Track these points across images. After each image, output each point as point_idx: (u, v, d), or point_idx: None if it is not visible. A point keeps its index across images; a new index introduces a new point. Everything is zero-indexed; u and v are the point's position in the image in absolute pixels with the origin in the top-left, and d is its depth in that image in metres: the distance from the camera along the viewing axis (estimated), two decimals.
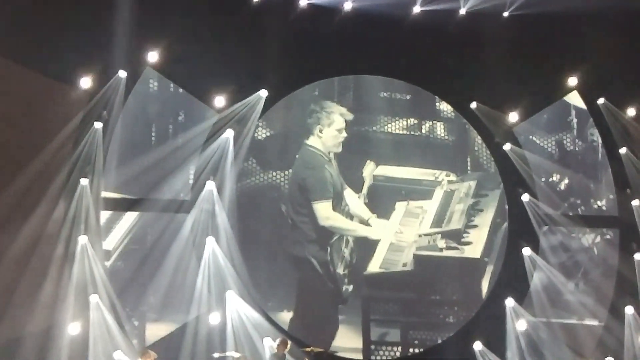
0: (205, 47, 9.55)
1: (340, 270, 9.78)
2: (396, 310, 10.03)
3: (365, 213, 10.01)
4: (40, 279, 8.66)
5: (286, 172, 9.96)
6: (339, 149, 10.03)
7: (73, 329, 8.75)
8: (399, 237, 10.06)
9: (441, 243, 10.13)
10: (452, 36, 10.15)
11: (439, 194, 10.31)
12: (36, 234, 8.73)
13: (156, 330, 9.30)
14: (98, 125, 9.16)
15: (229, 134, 9.67)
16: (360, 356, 9.76)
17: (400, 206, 10.18)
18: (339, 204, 9.90)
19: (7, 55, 8.93)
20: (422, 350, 9.95)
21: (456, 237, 10.18)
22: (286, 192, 9.96)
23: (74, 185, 9.02)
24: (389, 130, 10.36)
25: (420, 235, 10.13)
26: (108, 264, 9.21)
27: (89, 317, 8.78)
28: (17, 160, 8.78)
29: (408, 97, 10.49)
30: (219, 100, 9.70)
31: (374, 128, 10.34)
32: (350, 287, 9.81)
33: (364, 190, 10.07)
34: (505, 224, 10.28)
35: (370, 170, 10.14)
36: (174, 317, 9.33)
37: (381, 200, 10.15)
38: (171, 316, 9.33)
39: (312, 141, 9.99)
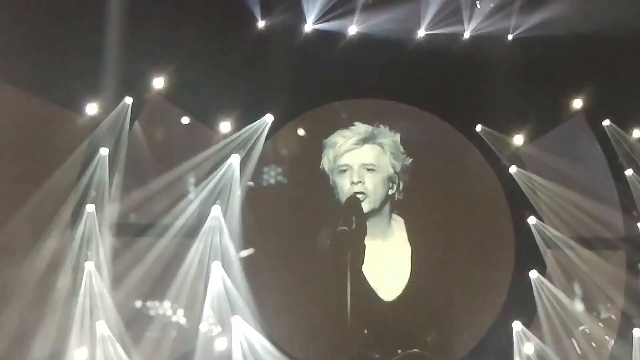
0: (210, 72, 9.58)
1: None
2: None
3: None
4: (46, 306, 8.68)
5: None
6: None
7: (79, 355, 8.73)
8: None
9: None
10: (456, 59, 10.14)
11: None
12: (42, 261, 8.74)
13: (162, 357, 9.26)
14: (104, 151, 9.18)
15: (234, 158, 9.67)
16: None
17: None
18: None
19: (12, 82, 8.98)
20: None
21: None
22: None
23: (80, 212, 9.05)
24: None
25: None
26: (115, 290, 9.17)
27: (95, 344, 8.77)
28: (22, 187, 8.79)
29: None
30: (225, 126, 9.73)
31: None
32: None
33: None
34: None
35: None
36: (180, 343, 9.33)
37: None
38: (176, 342, 9.33)
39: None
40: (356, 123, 9.97)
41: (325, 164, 9.90)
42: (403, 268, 9.93)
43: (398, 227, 9.95)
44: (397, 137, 9.95)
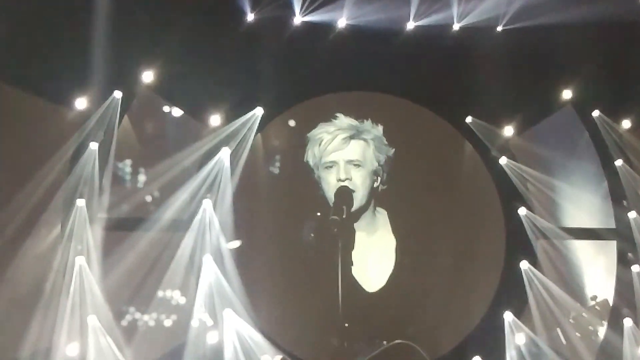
0: (200, 65, 9.56)
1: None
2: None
3: None
4: (36, 300, 8.67)
5: None
6: None
7: (71, 350, 8.73)
8: None
9: None
10: (446, 51, 10.16)
11: None
12: (32, 256, 8.74)
13: (154, 350, 9.27)
14: (94, 145, 9.16)
15: (225, 152, 9.66)
16: None
17: None
18: None
19: (0, 77, 8.97)
20: None
21: None
22: None
23: (70, 206, 9.04)
24: None
25: None
26: (105, 284, 9.15)
27: (87, 338, 8.78)
28: (11, 182, 8.78)
29: None
30: (215, 119, 9.72)
31: None
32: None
33: None
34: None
35: None
36: (171, 336, 9.33)
37: None
38: (168, 335, 9.33)
39: None
40: (338, 115, 9.94)
41: (310, 158, 9.88)
42: (387, 260, 9.92)
43: (382, 219, 9.95)
44: (380, 129, 9.94)
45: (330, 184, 9.69)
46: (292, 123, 10.05)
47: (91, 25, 9.18)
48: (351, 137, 9.78)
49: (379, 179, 9.88)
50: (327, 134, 9.82)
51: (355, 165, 9.70)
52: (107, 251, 9.17)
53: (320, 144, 9.80)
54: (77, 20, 9.20)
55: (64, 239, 8.98)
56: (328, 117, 9.97)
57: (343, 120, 9.90)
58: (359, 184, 9.66)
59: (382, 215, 9.92)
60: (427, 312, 9.89)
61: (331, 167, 9.74)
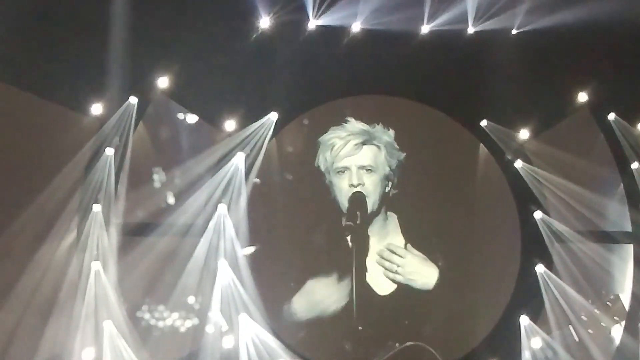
0: (215, 71, 9.61)
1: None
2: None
3: None
4: (52, 305, 8.74)
5: None
6: None
7: (87, 355, 8.79)
8: None
9: None
10: (461, 55, 10.14)
11: None
12: (49, 261, 8.81)
13: (169, 355, 9.33)
14: (110, 151, 9.21)
15: (239, 157, 9.69)
16: None
17: None
18: None
19: (17, 84, 9.03)
20: None
21: None
22: None
23: (86, 211, 9.10)
24: None
25: None
26: (121, 289, 9.21)
27: (102, 343, 8.83)
28: (28, 188, 8.85)
29: None
30: (230, 124, 9.76)
31: None
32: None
33: None
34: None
35: None
36: (187, 341, 9.36)
37: None
38: (183, 340, 9.37)
39: None
40: (349, 119, 9.91)
41: (321, 163, 9.84)
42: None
43: (393, 223, 9.91)
44: (392, 133, 9.90)
45: (342, 189, 9.66)
46: (306, 128, 10.04)
47: (107, 31, 9.24)
48: (363, 143, 9.75)
49: (391, 183, 9.84)
50: (339, 139, 9.79)
51: (367, 170, 9.66)
52: (123, 256, 9.21)
53: (332, 149, 9.77)
54: (93, 26, 9.24)
55: (80, 244, 9.04)
56: (339, 122, 9.95)
57: (354, 124, 9.86)
58: (371, 189, 9.62)
59: (393, 220, 9.89)
60: (441, 317, 9.86)
61: (343, 172, 9.70)
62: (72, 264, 8.94)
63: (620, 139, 10.38)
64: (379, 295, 9.72)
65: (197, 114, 9.75)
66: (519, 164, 10.28)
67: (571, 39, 9.99)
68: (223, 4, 9.67)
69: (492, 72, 10.04)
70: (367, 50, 9.98)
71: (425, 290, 9.72)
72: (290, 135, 10.03)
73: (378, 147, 9.80)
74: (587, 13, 9.71)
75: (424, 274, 9.71)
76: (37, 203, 8.78)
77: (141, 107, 9.50)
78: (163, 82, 9.56)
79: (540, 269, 10.07)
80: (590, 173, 10.34)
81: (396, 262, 9.60)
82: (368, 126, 9.87)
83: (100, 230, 9.07)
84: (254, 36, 9.82)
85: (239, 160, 9.67)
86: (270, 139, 9.85)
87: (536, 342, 9.87)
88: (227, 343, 9.30)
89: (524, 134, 10.32)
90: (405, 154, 9.93)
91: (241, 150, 9.70)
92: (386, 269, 9.58)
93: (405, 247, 9.79)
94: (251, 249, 9.59)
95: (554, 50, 10.17)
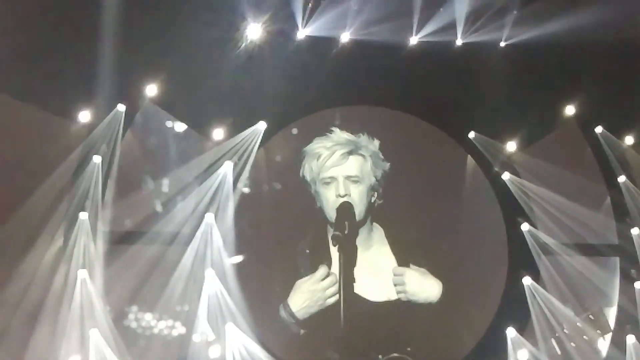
0: (203, 80, 9.60)
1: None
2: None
3: None
4: (38, 314, 8.66)
5: None
6: None
7: None
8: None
9: None
10: (449, 66, 10.17)
11: None
12: (35, 269, 8.74)
13: None
14: (97, 159, 9.17)
15: (227, 165, 9.66)
16: None
17: None
18: None
19: (4, 89, 8.98)
20: None
21: None
22: None
23: (72, 219, 9.04)
24: None
25: None
26: (107, 297, 9.15)
27: (88, 352, 8.76)
28: (14, 194, 8.79)
29: None
30: (218, 133, 9.73)
31: None
32: None
33: None
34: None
35: None
36: (173, 350, 9.30)
37: None
38: (170, 349, 9.30)
39: None
40: (334, 129, 9.85)
41: (307, 173, 9.70)
42: (383, 276, 9.83)
43: (378, 234, 9.86)
44: (377, 144, 9.84)
45: (329, 200, 9.55)
46: (295, 137, 10.02)
47: (95, 38, 9.20)
48: (349, 153, 9.64)
49: (376, 194, 9.78)
50: (325, 149, 9.68)
51: (353, 181, 9.55)
52: (110, 264, 9.17)
53: (318, 159, 9.65)
54: (81, 33, 9.23)
55: (67, 252, 8.98)
56: (324, 132, 9.90)
57: (339, 134, 9.77)
58: (358, 199, 9.51)
59: (378, 231, 9.84)
60: (427, 330, 9.78)
61: (330, 182, 9.59)
62: (59, 272, 8.88)
63: (607, 152, 10.42)
64: (367, 304, 9.66)
65: (185, 123, 9.74)
66: (506, 176, 10.29)
67: (559, 51, 10.03)
68: (212, 13, 9.65)
69: (480, 83, 10.08)
70: (356, 61, 9.99)
71: (427, 303, 9.65)
72: (278, 145, 10.02)
73: (364, 157, 9.71)
74: (575, 25, 9.74)
75: (424, 288, 9.67)
76: (23, 210, 8.71)
77: (129, 114, 9.48)
78: (151, 90, 9.55)
79: (527, 281, 10.06)
80: (577, 186, 10.36)
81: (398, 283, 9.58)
82: (353, 136, 9.80)
83: (87, 238, 9.03)
84: (243, 45, 9.81)
85: (227, 169, 9.65)
86: (259, 148, 9.83)
87: (523, 355, 9.84)
88: (214, 352, 9.25)
89: (511, 146, 10.35)
90: (389, 164, 9.87)
91: (229, 159, 9.70)
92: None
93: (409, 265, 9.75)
94: (239, 258, 9.55)
95: (542, 63, 10.22)
